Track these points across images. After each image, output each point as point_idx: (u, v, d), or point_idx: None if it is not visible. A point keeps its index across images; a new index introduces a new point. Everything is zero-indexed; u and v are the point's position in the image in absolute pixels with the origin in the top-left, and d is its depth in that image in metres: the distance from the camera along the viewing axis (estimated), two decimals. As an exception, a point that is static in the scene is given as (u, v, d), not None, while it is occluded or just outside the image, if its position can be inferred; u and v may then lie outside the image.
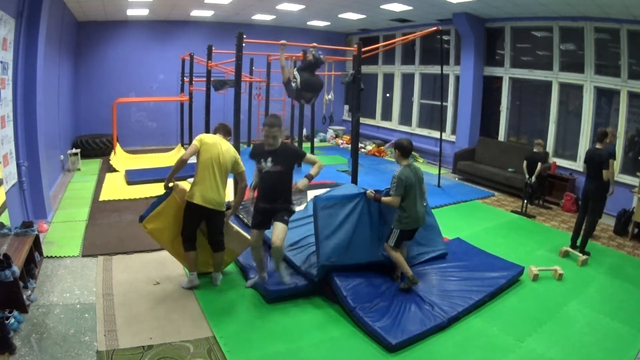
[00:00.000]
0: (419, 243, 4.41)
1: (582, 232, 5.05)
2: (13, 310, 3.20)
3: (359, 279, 3.86)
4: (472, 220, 6.13)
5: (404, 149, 3.83)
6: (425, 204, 4.11)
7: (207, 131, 7.99)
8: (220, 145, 3.77)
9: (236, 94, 5.77)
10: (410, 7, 8.17)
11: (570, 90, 7.58)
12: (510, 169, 7.77)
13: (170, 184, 3.85)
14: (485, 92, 9.01)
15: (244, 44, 5.61)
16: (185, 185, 4.03)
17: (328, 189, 4.65)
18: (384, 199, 3.84)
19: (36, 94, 5.16)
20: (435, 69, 9.57)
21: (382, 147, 11.12)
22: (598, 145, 4.92)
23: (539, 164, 6.46)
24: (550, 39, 7.62)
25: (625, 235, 5.83)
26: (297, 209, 4.31)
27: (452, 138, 9.62)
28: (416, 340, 3.25)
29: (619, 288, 4.30)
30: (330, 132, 12.69)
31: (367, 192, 3.98)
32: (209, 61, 7.50)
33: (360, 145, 9.41)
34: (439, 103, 8.43)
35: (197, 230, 3.92)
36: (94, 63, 9.89)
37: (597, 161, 4.84)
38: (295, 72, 5.70)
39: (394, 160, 9.88)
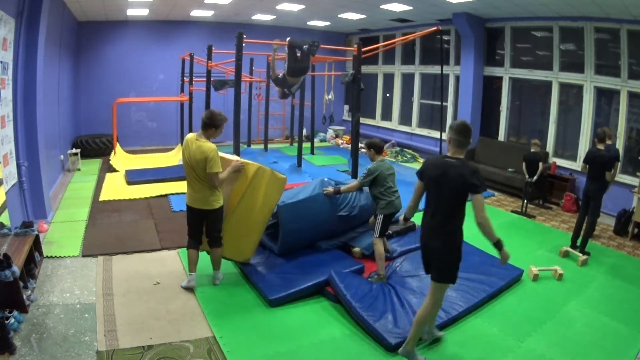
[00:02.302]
0: None
1: (582, 232, 5.05)
2: (13, 310, 3.20)
3: (358, 278, 3.88)
4: (472, 221, 6.11)
5: (377, 148, 4.25)
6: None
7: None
8: (190, 145, 3.66)
9: (236, 94, 5.77)
10: (410, 7, 8.17)
11: (570, 90, 7.58)
12: (510, 169, 7.77)
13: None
14: (485, 92, 9.00)
15: (244, 44, 5.62)
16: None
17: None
18: (342, 188, 4.35)
19: (36, 94, 5.16)
20: (435, 69, 9.56)
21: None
22: (599, 146, 4.91)
23: (540, 163, 6.45)
24: (550, 39, 7.61)
25: (625, 235, 5.83)
26: None
27: (452, 138, 9.60)
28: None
29: (619, 288, 4.30)
30: (330, 132, 12.69)
31: (325, 191, 4.48)
32: (209, 61, 7.49)
33: (360, 145, 9.40)
34: (439, 103, 8.42)
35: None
36: (94, 63, 9.89)
37: (600, 162, 4.83)
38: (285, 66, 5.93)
39: (393, 160, 9.96)
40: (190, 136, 3.76)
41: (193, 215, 3.84)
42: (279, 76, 6.03)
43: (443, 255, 2.84)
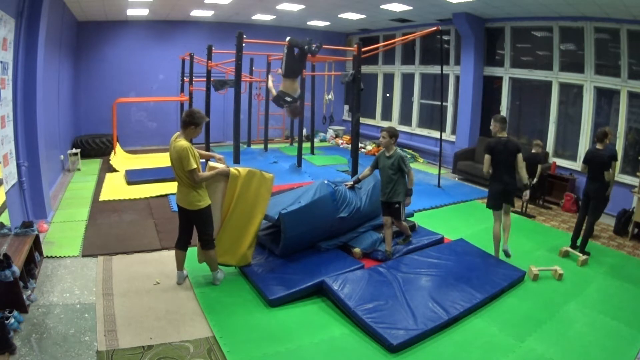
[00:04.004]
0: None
1: (582, 232, 5.05)
2: (13, 310, 3.21)
3: (353, 281, 3.89)
4: (472, 221, 6.13)
5: (397, 137, 4.59)
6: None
7: (207, 131, 8.01)
8: (172, 145, 3.69)
9: (236, 94, 5.79)
10: (410, 7, 8.17)
11: (570, 90, 7.58)
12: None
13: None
14: (485, 92, 9.01)
15: (244, 44, 5.63)
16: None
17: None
18: (409, 185, 4.47)
19: (36, 94, 5.16)
20: (435, 69, 9.57)
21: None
22: (598, 146, 4.90)
23: (539, 165, 6.45)
24: (550, 39, 7.61)
25: (625, 235, 5.83)
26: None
27: (452, 138, 9.62)
28: (417, 340, 3.25)
29: (619, 288, 4.30)
30: (330, 132, 12.70)
31: (347, 185, 4.91)
32: (209, 61, 7.50)
33: (360, 145, 9.41)
34: (439, 103, 8.43)
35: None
36: (94, 63, 9.89)
37: (599, 162, 4.83)
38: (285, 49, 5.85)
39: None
40: (174, 136, 3.77)
41: (180, 214, 3.93)
42: (276, 94, 5.88)
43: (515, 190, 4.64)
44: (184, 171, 3.61)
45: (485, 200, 4.81)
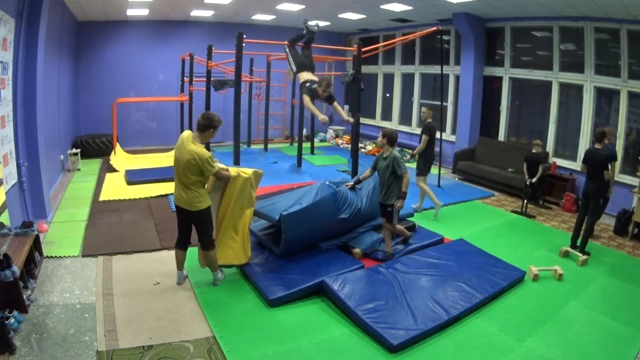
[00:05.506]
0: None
1: (582, 232, 5.05)
2: (13, 310, 3.21)
3: (353, 281, 3.89)
4: (472, 220, 6.13)
5: (391, 139, 4.41)
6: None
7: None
8: (181, 145, 3.66)
9: (236, 94, 5.78)
10: (410, 7, 8.17)
11: (570, 90, 7.59)
12: (510, 169, 7.77)
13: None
14: (485, 92, 9.00)
15: (244, 44, 5.62)
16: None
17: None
18: (403, 189, 4.31)
19: (36, 94, 5.16)
20: (435, 69, 9.56)
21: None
22: (597, 146, 4.91)
23: (540, 165, 6.45)
24: (550, 39, 7.61)
25: (625, 235, 5.83)
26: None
27: (452, 138, 9.62)
28: (417, 340, 3.25)
29: (619, 288, 4.30)
30: (330, 132, 12.69)
31: (348, 186, 4.84)
32: (209, 61, 7.50)
33: (360, 145, 9.40)
34: (439, 103, 8.43)
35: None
36: (94, 63, 9.89)
37: (598, 162, 4.83)
38: (287, 50, 5.79)
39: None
40: (186, 135, 3.69)
41: (179, 214, 3.92)
42: (305, 89, 5.56)
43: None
44: (191, 173, 3.60)
45: (421, 171, 6.24)
